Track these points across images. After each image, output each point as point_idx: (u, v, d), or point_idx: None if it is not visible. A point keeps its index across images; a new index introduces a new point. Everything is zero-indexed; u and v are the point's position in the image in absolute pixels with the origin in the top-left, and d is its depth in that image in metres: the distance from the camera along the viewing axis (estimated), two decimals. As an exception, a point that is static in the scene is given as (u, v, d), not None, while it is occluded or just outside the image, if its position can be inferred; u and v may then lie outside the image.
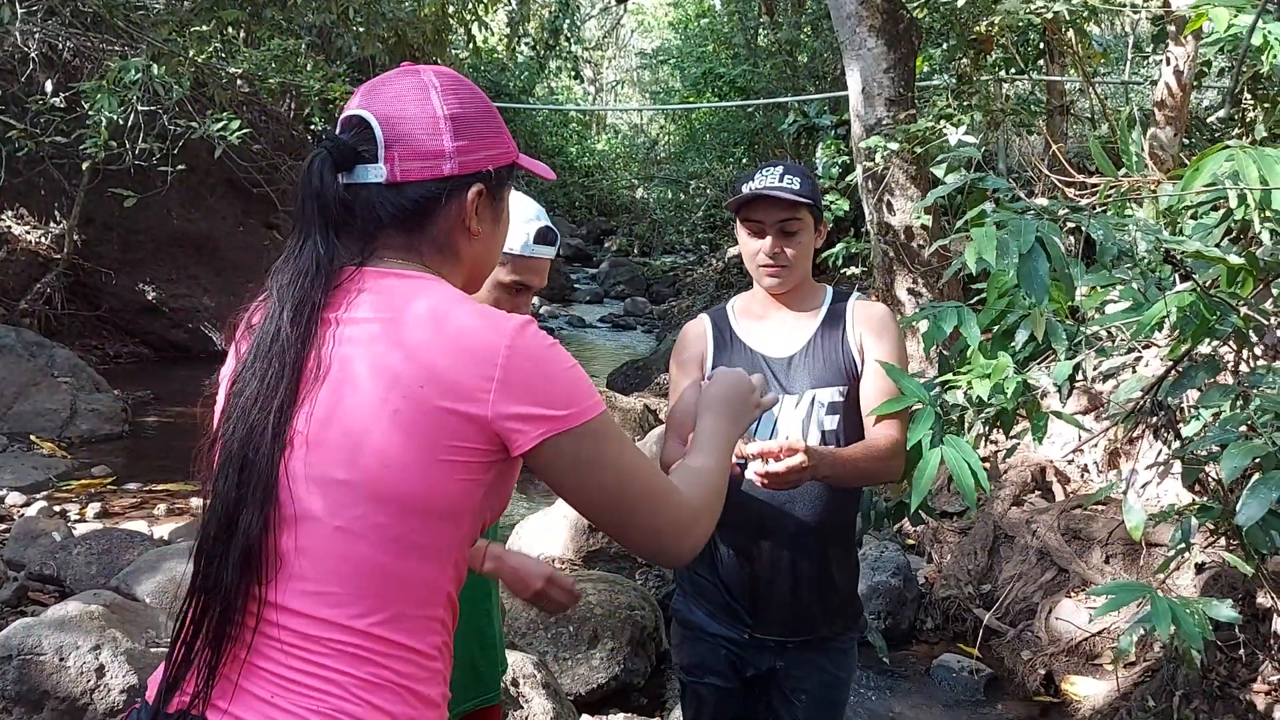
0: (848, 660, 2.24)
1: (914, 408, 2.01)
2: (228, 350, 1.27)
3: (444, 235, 1.23)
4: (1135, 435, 4.40)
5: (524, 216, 1.92)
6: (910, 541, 5.11)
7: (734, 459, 1.59)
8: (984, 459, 4.95)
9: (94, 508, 5.47)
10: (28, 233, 9.07)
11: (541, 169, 1.38)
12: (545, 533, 4.83)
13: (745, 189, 2.10)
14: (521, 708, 3.14)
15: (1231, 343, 2.19)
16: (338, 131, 1.22)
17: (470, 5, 12.43)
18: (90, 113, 7.01)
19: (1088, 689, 3.79)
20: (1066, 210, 1.85)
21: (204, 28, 8.23)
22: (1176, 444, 2.30)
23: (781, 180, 2.07)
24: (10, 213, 9.05)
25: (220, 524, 1.11)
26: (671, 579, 2.38)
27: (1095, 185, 2.08)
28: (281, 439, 1.11)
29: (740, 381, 1.49)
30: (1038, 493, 5.02)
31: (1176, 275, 2.12)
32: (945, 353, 2.34)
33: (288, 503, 1.12)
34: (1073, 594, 4.16)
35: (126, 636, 2.97)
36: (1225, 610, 1.93)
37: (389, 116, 1.19)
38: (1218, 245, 2.00)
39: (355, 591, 1.12)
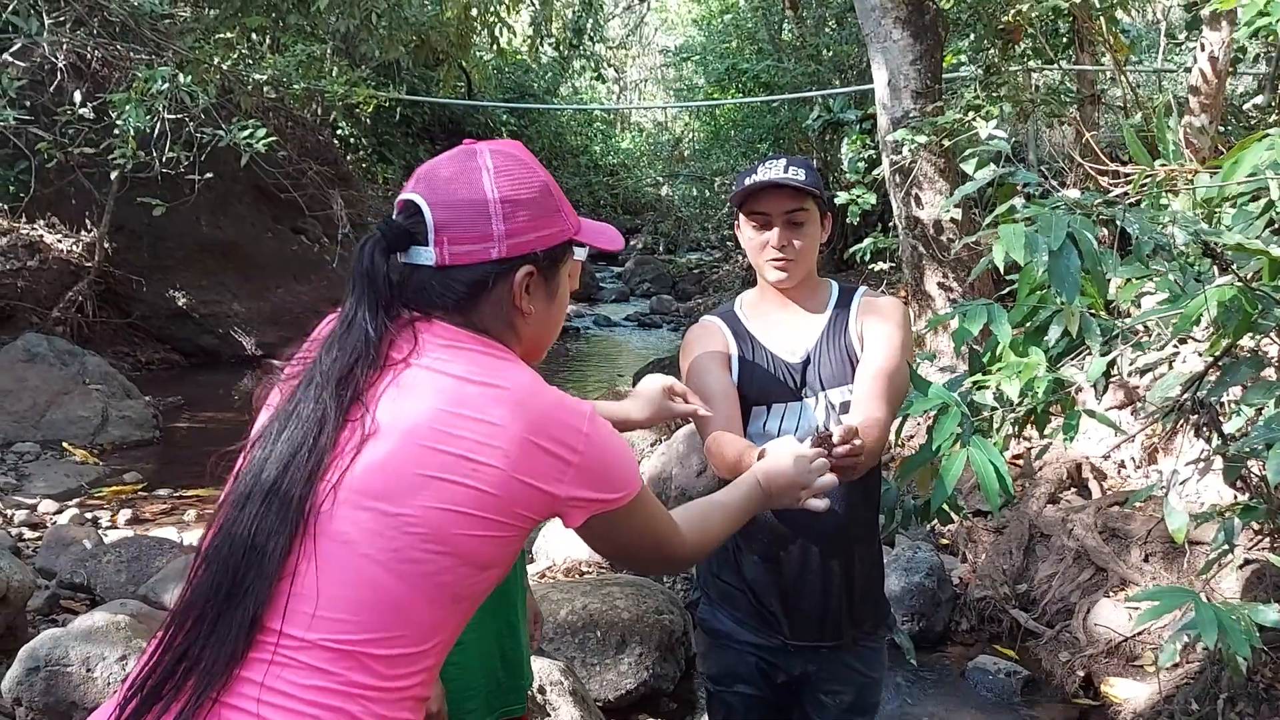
0: (879, 660, 2.20)
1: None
2: (258, 409, 1.27)
3: (496, 314, 1.26)
4: (1174, 431, 4.31)
5: None
6: (944, 541, 5.03)
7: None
8: (1017, 457, 4.87)
9: (125, 514, 5.50)
10: (59, 241, 9.17)
11: (606, 240, 1.39)
12: (572, 537, 4.79)
13: (748, 181, 2.05)
14: (549, 715, 3.11)
15: (1274, 336, 2.11)
16: (395, 214, 1.26)
17: (493, 7, 12.43)
18: (118, 122, 7.07)
19: (1128, 691, 3.70)
20: (1100, 203, 1.78)
21: (229, 35, 8.29)
22: (1218, 441, 2.23)
23: (786, 172, 2.02)
24: (42, 222, 9.15)
25: (241, 549, 1.10)
26: (696, 585, 2.32)
27: (1129, 175, 2.01)
28: (313, 481, 1.12)
29: (801, 476, 1.61)
30: (1073, 490, 4.92)
31: (1215, 268, 2.05)
32: (977, 349, 2.29)
33: (311, 522, 1.11)
34: (1111, 594, 4.07)
35: (152, 646, 2.96)
36: (1272, 614, 1.86)
37: (440, 201, 1.23)
38: (1258, 237, 1.93)
39: (355, 617, 1.09)
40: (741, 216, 2.09)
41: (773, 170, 2.03)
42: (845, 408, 2.04)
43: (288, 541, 1.09)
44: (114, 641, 2.94)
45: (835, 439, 1.70)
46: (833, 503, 2.04)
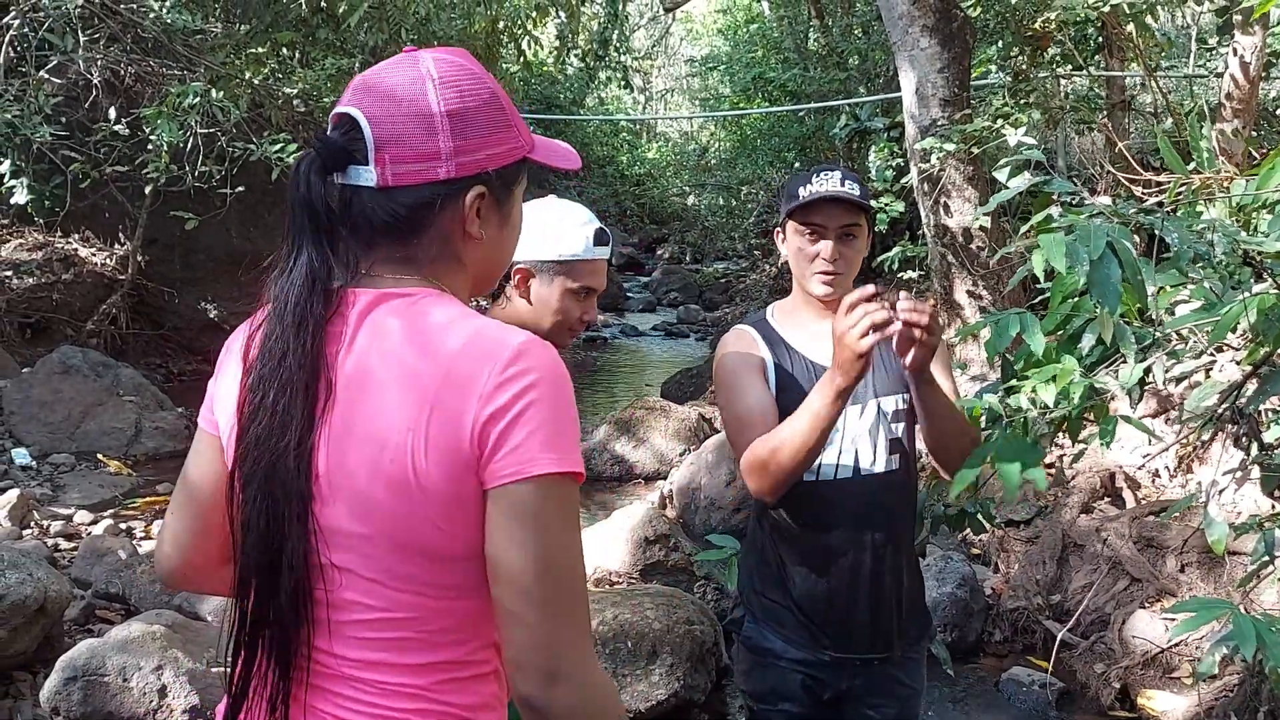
0: (920, 671, 2.20)
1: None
2: (218, 365, 1.22)
3: (442, 241, 1.14)
4: (1210, 439, 4.25)
5: (578, 221, 1.92)
6: (975, 551, 4.99)
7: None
8: (1049, 466, 4.81)
9: (158, 525, 5.56)
10: (93, 255, 9.30)
11: (562, 158, 1.26)
12: (602, 547, 4.80)
13: (803, 191, 2.02)
14: (580, 726, 3.11)
15: (1315, 345, 2.08)
16: (330, 129, 1.13)
17: (520, 21, 12.51)
18: (151, 137, 7.17)
19: (1166, 704, 3.65)
20: (1137, 211, 1.77)
21: (260, 50, 8.38)
22: (1257, 450, 2.19)
23: (843, 185, 2.01)
24: (76, 235, 9.28)
25: (262, 557, 1.08)
26: (736, 600, 2.32)
27: (1161, 183, 2.00)
28: (306, 472, 1.07)
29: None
30: (1107, 499, 4.87)
31: (1254, 276, 2.03)
32: (1010, 357, 2.27)
33: (323, 550, 1.08)
34: (1147, 604, 4.01)
35: (188, 657, 2.99)
36: (1315, 628, 1.82)
37: (380, 115, 1.10)
38: (1298, 243, 1.91)
39: (401, 634, 1.09)
40: (791, 224, 2.07)
41: (829, 182, 2.01)
42: (899, 415, 2.05)
43: (304, 547, 1.07)
44: (149, 652, 2.97)
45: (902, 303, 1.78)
46: (880, 519, 2.03)
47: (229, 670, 1.12)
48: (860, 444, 2.04)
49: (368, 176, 1.10)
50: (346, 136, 1.11)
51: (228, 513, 1.12)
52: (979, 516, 2.34)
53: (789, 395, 2.03)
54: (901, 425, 2.06)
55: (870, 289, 1.77)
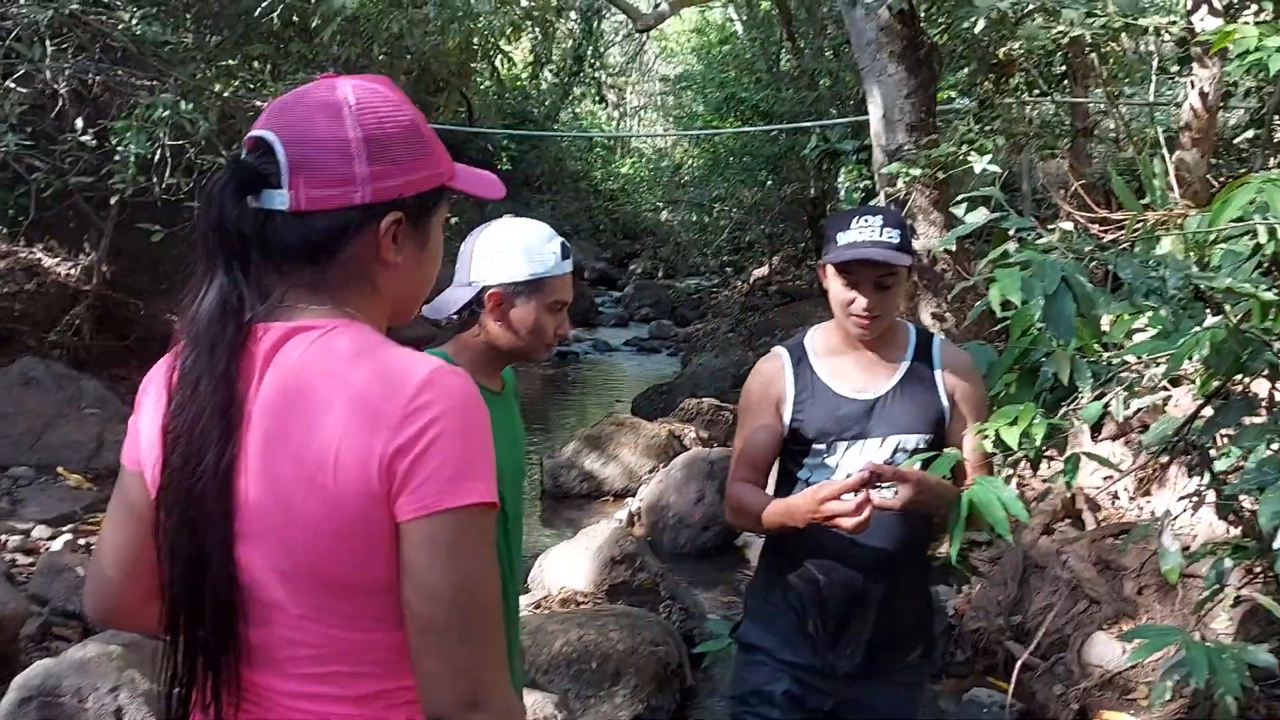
0: (916, 696, 2.22)
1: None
2: (137, 402, 1.21)
3: (357, 267, 1.13)
4: (1167, 463, 4.32)
5: (542, 238, 1.94)
6: (938, 572, 5.02)
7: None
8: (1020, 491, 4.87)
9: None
10: (57, 265, 9.18)
11: (485, 187, 1.24)
12: (569, 566, 4.79)
13: (841, 238, 2.05)
14: (543, 748, 3.10)
15: (1265, 377, 2.13)
16: (244, 153, 1.12)
17: (494, 38, 12.53)
18: (119, 148, 7.10)
19: (1123, 726, 3.70)
20: (1093, 248, 1.81)
21: (231, 62, 8.34)
22: (1209, 478, 2.24)
23: (881, 234, 2.01)
24: (40, 245, 9.17)
25: (187, 584, 1.08)
26: (742, 614, 2.37)
27: (1118, 219, 2.04)
28: (227, 498, 1.06)
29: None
30: (1068, 520, 4.93)
31: (1206, 310, 2.07)
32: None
33: (249, 585, 1.08)
34: (1106, 626, 4.07)
35: (144, 677, 2.96)
36: (1262, 656, 1.86)
37: (295, 138, 1.09)
38: (1247, 280, 1.95)
39: (338, 667, 1.09)
40: (830, 266, 2.09)
41: (868, 230, 2.02)
42: (917, 453, 2.08)
43: (227, 572, 1.07)
44: (106, 672, 2.94)
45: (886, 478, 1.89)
46: (887, 531, 2.06)
47: (164, 704, 1.12)
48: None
49: (282, 200, 1.09)
50: (261, 159, 1.10)
51: (154, 543, 1.11)
52: (960, 567, 2.37)
53: (806, 424, 2.11)
54: (918, 465, 2.07)
55: (860, 478, 1.88)
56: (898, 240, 2.02)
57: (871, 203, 7.11)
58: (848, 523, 1.87)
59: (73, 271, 9.19)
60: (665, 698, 3.77)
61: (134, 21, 7.79)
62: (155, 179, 7.42)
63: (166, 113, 6.87)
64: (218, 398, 1.06)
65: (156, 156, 7.26)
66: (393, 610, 1.06)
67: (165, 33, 8.11)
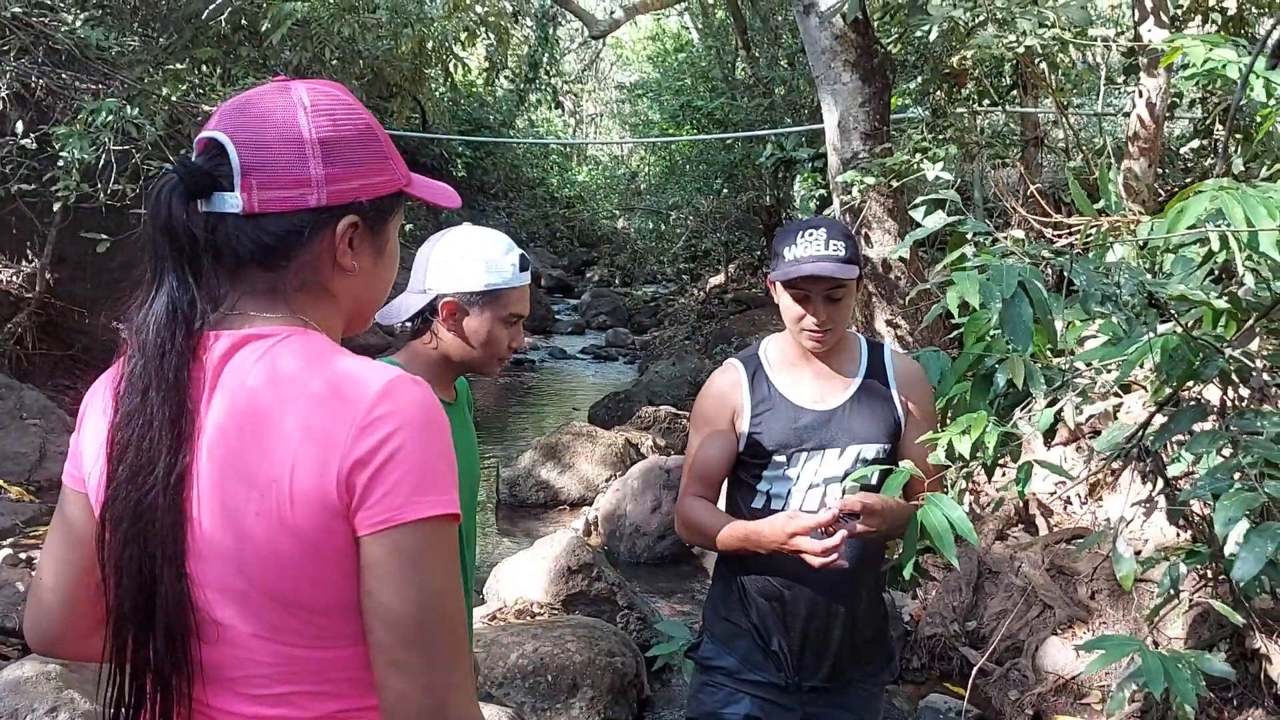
0: (876, 706, 2.21)
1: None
2: (79, 418, 1.17)
3: (311, 272, 1.10)
4: (1119, 469, 4.36)
5: (501, 249, 1.90)
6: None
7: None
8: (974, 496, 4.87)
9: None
10: (-1, 272, 8.95)
11: (442, 196, 1.22)
12: (524, 576, 4.74)
13: (788, 254, 2.02)
14: (498, 763, 3.05)
15: (1216, 384, 2.15)
16: (195, 155, 1.09)
17: (448, 44, 12.44)
18: (62, 154, 6.94)
19: (1077, 730, 3.72)
20: (1049, 253, 1.81)
21: (179, 66, 8.19)
22: (1162, 485, 2.25)
23: (827, 248, 2.00)
24: (-19, 252, 8.94)
25: (136, 601, 1.03)
26: (705, 627, 2.35)
27: (1071, 224, 2.05)
28: (178, 510, 1.02)
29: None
30: (1021, 526, 4.97)
31: (1159, 317, 2.08)
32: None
33: (201, 604, 1.04)
34: (1060, 631, 4.10)
35: (85, 698, 2.86)
36: (1218, 664, 1.87)
37: (248, 139, 1.06)
38: (1199, 286, 1.97)
39: (295, 687, 1.05)
40: (779, 282, 2.08)
41: (814, 244, 2.00)
42: (876, 462, 2.08)
43: (179, 588, 1.03)
44: (44, 693, 2.84)
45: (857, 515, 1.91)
46: (843, 552, 2.05)
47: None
48: (832, 485, 2.08)
49: (234, 203, 1.05)
50: (212, 161, 1.07)
51: (99, 560, 1.06)
52: (912, 574, 2.37)
53: (765, 436, 2.10)
54: (877, 472, 2.08)
55: (832, 516, 1.90)
56: (844, 253, 2.00)
57: (826, 211, 7.14)
58: (816, 561, 1.89)
59: (15, 279, 8.97)
60: (622, 709, 3.73)
61: (78, 24, 7.62)
62: (100, 185, 7.25)
63: (111, 117, 6.72)
64: (168, 407, 1.02)
65: (101, 162, 7.10)
66: (353, 627, 1.03)
67: (111, 36, 7.95)
